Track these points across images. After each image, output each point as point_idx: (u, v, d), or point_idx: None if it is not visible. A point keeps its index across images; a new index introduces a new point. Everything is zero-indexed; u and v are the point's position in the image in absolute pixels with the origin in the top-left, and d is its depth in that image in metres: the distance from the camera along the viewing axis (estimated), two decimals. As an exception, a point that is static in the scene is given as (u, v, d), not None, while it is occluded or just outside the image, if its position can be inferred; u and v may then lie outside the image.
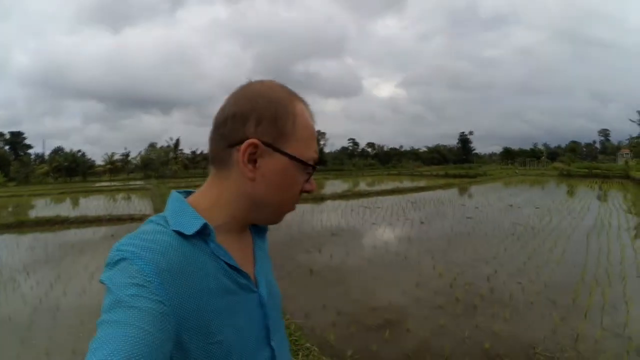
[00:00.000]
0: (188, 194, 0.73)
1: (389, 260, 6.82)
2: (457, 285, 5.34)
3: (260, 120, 0.65)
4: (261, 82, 0.70)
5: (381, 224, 10.53)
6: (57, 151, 57.50)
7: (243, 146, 0.64)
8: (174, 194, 0.71)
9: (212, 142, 0.70)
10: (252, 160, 0.66)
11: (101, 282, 0.55)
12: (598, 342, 3.67)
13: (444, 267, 6.22)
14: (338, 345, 3.77)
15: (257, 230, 0.82)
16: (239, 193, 0.69)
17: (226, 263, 0.65)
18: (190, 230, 0.62)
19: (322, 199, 17.13)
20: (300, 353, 3.41)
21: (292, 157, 0.68)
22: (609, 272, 5.66)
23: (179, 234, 0.62)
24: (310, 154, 0.71)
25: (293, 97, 0.71)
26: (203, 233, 0.63)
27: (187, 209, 0.66)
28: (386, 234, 9.21)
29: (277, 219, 0.76)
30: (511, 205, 13.50)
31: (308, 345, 3.56)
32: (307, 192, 0.74)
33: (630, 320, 4.05)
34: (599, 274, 5.60)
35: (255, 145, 0.65)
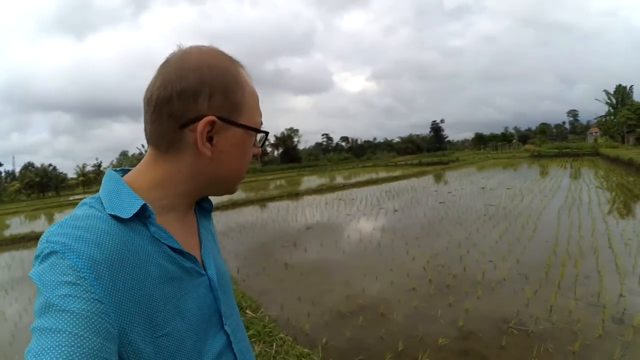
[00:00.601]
0: (125, 172, 0.67)
1: (363, 249, 6.84)
2: (430, 268, 5.39)
3: (212, 95, 0.61)
4: (199, 50, 0.64)
5: (355, 215, 10.57)
6: (28, 167, 56.20)
7: (200, 126, 0.60)
8: (109, 172, 0.65)
9: (153, 122, 0.62)
10: (208, 138, 0.62)
11: (30, 278, 0.50)
12: (572, 312, 3.74)
13: (417, 251, 6.29)
14: (312, 334, 3.75)
15: (202, 210, 0.79)
16: (192, 173, 0.64)
17: (169, 247, 0.61)
18: (127, 213, 0.57)
19: (297, 194, 17.10)
20: (275, 343, 3.37)
21: (247, 128, 0.66)
22: (581, 245, 5.80)
23: (115, 217, 0.56)
24: (259, 119, 0.70)
25: (236, 63, 0.67)
26: (142, 216, 0.59)
27: (123, 189, 0.60)
28: (360, 224, 9.24)
29: (233, 189, 0.73)
30: (483, 188, 13.77)
31: (282, 335, 3.53)
32: (255, 156, 0.73)
33: (603, 289, 4.14)
34: (570, 247, 5.73)
35: (212, 123, 0.61)
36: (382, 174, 26.26)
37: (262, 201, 15.77)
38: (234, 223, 10.87)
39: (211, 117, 0.60)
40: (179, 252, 0.63)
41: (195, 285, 0.64)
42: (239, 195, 18.20)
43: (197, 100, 0.60)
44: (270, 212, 12.70)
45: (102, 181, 0.64)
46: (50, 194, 47.41)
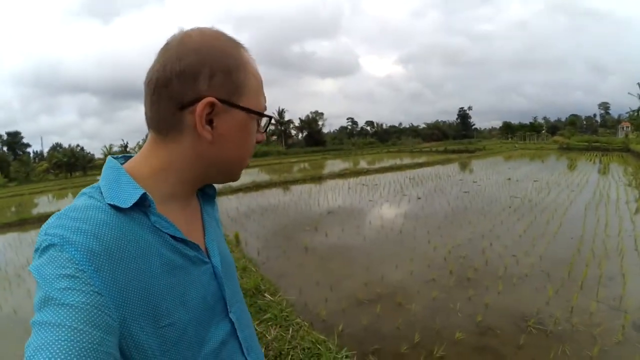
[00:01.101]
0: (127, 159, 0.66)
1: (384, 236, 6.81)
2: (451, 259, 5.33)
3: (212, 75, 0.59)
4: (200, 31, 0.62)
5: (378, 201, 10.50)
6: (56, 148, 57.76)
7: (199, 108, 0.58)
8: (109, 160, 0.64)
9: (153, 105, 0.61)
10: (209, 120, 0.61)
11: (30, 271, 0.50)
12: (593, 314, 3.62)
13: (439, 241, 6.22)
14: (329, 320, 3.78)
15: (205, 196, 0.78)
16: (193, 158, 0.63)
17: (171, 236, 0.60)
18: (127, 202, 0.56)
19: (320, 178, 17.11)
20: (291, 328, 3.42)
21: (250, 111, 0.64)
22: (606, 244, 5.60)
23: (115, 207, 0.56)
24: (263, 103, 0.68)
25: (238, 45, 0.65)
26: (142, 205, 0.58)
27: (123, 178, 0.59)
28: (382, 211, 9.19)
29: (236, 176, 0.72)
30: (509, 179, 13.43)
31: (298, 320, 3.57)
32: (259, 142, 0.71)
33: (626, 293, 3.99)
34: (595, 246, 5.54)
35: (212, 104, 0.59)
36: (407, 160, 25.93)
37: (284, 184, 15.83)
38: (256, 205, 11.00)
39: (210, 99, 0.59)
40: (182, 240, 0.62)
41: (199, 274, 0.64)
42: (262, 177, 18.38)
43: (197, 81, 0.59)
44: (293, 195, 12.76)
45: (102, 169, 0.63)
46: (77, 174, 48.52)
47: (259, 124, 0.69)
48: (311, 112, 64.04)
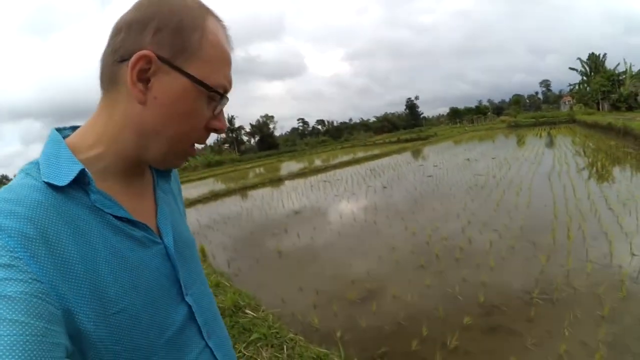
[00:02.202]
0: (75, 129, 0.61)
1: (359, 229, 6.53)
2: (434, 242, 5.12)
3: (159, 29, 0.54)
4: None
5: (343, 194, 10.23)
6: (2, 180, 54.35)
7: (133, 59, 0.52)
8: (51, 132, 0.59)
9: (102, 58, 0.57)
10: (145, 79, 0.54)
11: None
12: (590, 275, 3.53)
13: (416, 226, 6.01)
14: (324, 328, 3.40)
15: (158, 172, 0.72)
16: (126, 121, 0.56)
17: (114, 216, 0.55)
18: (64, 180, 0.50)
19: (279, 180, 16.65)
20: (285, 346, 2.99)
21: (194, 79, 0.55)
22: (580, 208, 5.61)
23: (52, 186, 0.50)
24: (219, 80, 0.59)
25: (206, 10, 0.59)
26: (82, 182, 0.52)
27: (63, 152, 0.54)
28: (351, 204, 8.91)
29: (172, 159, 0.62)
30: (468, 159, 13.65)
31: (291, 335, 3.14)
32: (216, 130, 0.63)
33: (614, 250, 3.94)
34: (570, 210, 5.54)
35: (148, 59, 0.53)
36: (362, 154, 26.01)
37: (243, 190, 15.22)
38: (217, 215, 10.35)
39: (147, 52, 0.52)
40: (127, 220, 0.57)
41: (149, 256, 0.59)
42: (220, 186, 17.67)
43: (142, 34, 0.54)
44: (254, 200, 12.22)
45: (44, 143, 0.57)
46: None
47: (212, 105, 0.59)
48: (261, 116, 63.38)
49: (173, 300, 0.61)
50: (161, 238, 0.63)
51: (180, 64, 0.54)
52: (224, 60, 0.60)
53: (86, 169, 0.51)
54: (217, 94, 0.58)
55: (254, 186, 15.84)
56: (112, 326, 0.49)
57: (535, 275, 3.70)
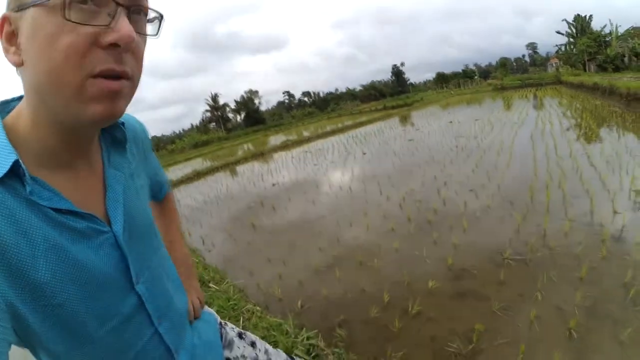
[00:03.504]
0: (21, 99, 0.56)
1: (334, 198, 6.35)
2: (407, 205, 4.96)
3: None
4: None
5: (323, 164, 10.02)
6: None
7: None
8: None
9: None
10: (15, 43, 0.50)
11: None
12: (569, 234, 3.33)
13: (391, 191, 5.84)
14: (286, 298, 3.26)
15: (115, 143, 0.66)
16: (29, 94, 0.52)
17: (53, 208, 0.51)
18: None
19: (262, 154, 16.37)
20: (242, 317, 2.85)
21: (34, 4, 0.47)
22: (561, 166, 5.39)
23: None
24: None
25: None
26: (17, 172, 0.49)
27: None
28: (329, 173, 8.70)
29: (87, 104, 0.50)
30: (451, 122, 13.42)
31: (249, 306, 3.00)
32: (117, 45, 0.49)
33: (595, 208, 3.74)
34: (551, 169, 5.32)
35: (5, 20, 0.50)
36: (349, 122, 25.68)
37: (226, 166, 14.94)
38: (199, 193, 10.17)
39: (4, 14, 0.51)
40: (68, 212, 0.53)
41: (93, 247, 0.55)
42: (205, 164, 17.33)
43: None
44: (236, 175, 12.00)
45: None
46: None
47: (82, 16, 0.47)
48: (246, 92, 62.15)
49: (120, 291, 0.59)
50: (110, 225, 0.59)
51: (23, 3, 0.48)
52: None
53: (20, 160, 0.49)
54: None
55: (237, 162, 15.57)
56: (53, 319, 0.50)
57: (509, 235, 3.53)
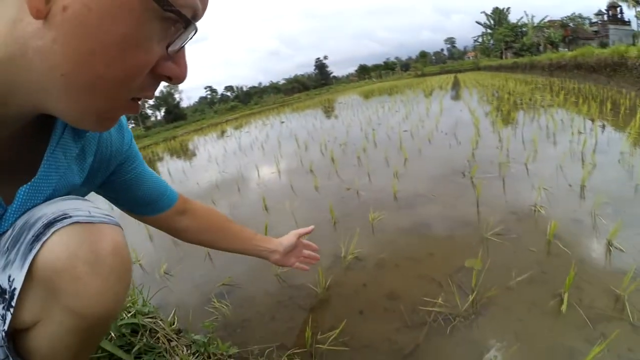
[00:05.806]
0: None
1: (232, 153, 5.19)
2: (330, 149, 3.89)
3: None
4: None
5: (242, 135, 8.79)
6: None
7: None
8: None
9: None
10: None
11: None
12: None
13: (310, 142, 4.80)
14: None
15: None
16: (8, 42, 0.33)
17: None
18: None
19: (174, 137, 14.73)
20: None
21: None
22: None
23: None
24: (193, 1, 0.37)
25: None
26: None
27: None
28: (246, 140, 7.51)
29: (92, 115, 0.39)
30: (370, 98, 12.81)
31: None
32: (169, 79, 0.40)
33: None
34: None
35: None
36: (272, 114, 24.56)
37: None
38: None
39: None
40: None
41: None
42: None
43: None
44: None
45: None
46: None
47: (167, 34, 0.36)
48: (164, 87, 58.69)
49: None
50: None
51: None
52: None
53: None
54: (180, 17, 0.35)
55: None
56: None
57: (467, 157, 2.67)
